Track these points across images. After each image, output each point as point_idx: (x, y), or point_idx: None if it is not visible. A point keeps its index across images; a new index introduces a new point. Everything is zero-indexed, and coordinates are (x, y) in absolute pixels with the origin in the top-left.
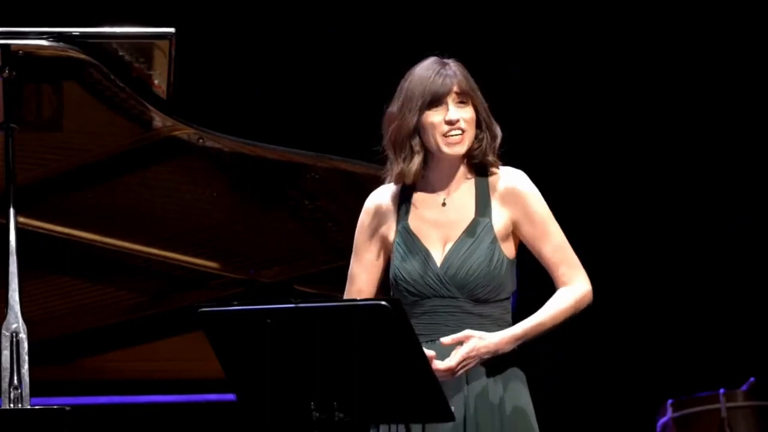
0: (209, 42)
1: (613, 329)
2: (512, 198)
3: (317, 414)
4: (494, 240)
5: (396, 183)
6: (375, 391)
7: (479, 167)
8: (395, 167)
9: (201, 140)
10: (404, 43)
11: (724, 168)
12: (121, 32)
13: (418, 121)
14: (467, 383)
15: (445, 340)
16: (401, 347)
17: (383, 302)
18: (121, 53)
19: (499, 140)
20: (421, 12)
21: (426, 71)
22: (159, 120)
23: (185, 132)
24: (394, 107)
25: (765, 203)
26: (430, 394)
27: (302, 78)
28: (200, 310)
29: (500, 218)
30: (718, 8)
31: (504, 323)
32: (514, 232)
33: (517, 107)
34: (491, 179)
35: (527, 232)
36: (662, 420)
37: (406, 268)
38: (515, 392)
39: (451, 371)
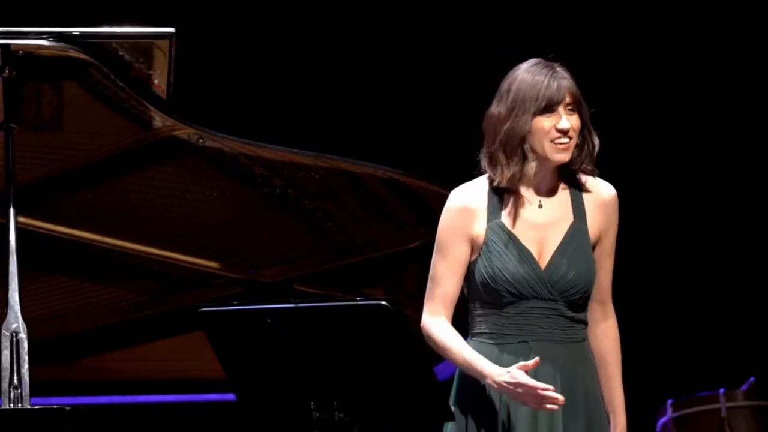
0: (209, 42)
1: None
2: (606, 209)
3: (317, 414)
4: (591, 247)
5: (507, 185)
6: (375, 391)
7: (572, 173)
8: (506, 170)
9: (201, 140)
10: (404, 43)
11: (723, 167)
12: (121, 32)
13: (531, 125)
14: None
15: None
16: (401, 347)
17: (383, 302)
18: (121, 53)
19: (597, 149)
20: (421, 12)
21: (537, 74)
22: (159, 120)
23: (185, 132)
24: (500, 108)
25: (765, 203)
26: (430, 394)
27: (302, 78)
28: (200, 310)
29: (594, 226)
30: (723, 7)
31: (586, 327)
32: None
33: None
34: (584, 185)
35: (604, 245)
36: (662, 420)
37: (509, 268)
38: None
39: None
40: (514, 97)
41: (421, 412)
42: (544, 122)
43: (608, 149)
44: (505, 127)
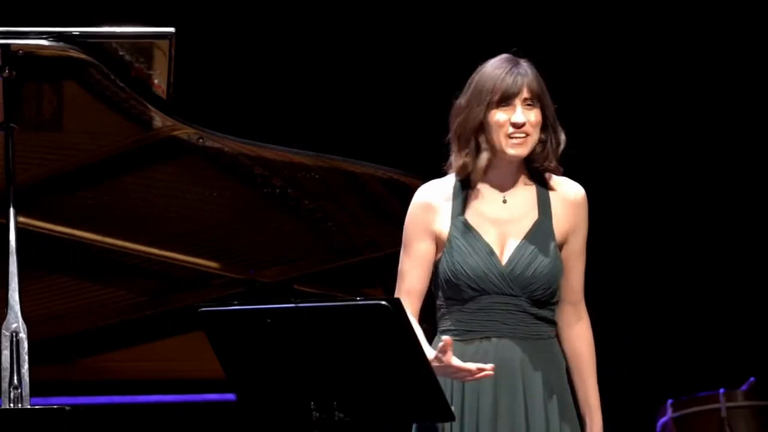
0: (209, 42)
1: (613, 329)
2: (574, 208)
3: (317, 414)
4: (555, 243)
5: (457, 175)
6: (375, 391)
7: (539, 170)
8: (457, 159)
9: (201, 140)
10: (404, 43)
11: (724, 167)
12: (121, 32)
13: (485, 117)
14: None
15: None
16: (401, 347)
17: (383, 302)
18: (121, 53)
19: (562, 146)
20: (422, 12)
21: (498, 67)
22: (159, 120)
23: (185, 132)
24: (462, 100)
25: (765, 203)
26: (430, 393)
27: (302, 78)
28: (200, 310)
29: (561, 224)
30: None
31: (553, 325)
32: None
33: None
34: (551, 184)
35: (572, 245)
36: (662, 420)
37: (469, 263)
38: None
39: None
40: (473, 90)
41: (421, 412)
42: (499, 115)
43: (611, 149)
44: (460, 119)
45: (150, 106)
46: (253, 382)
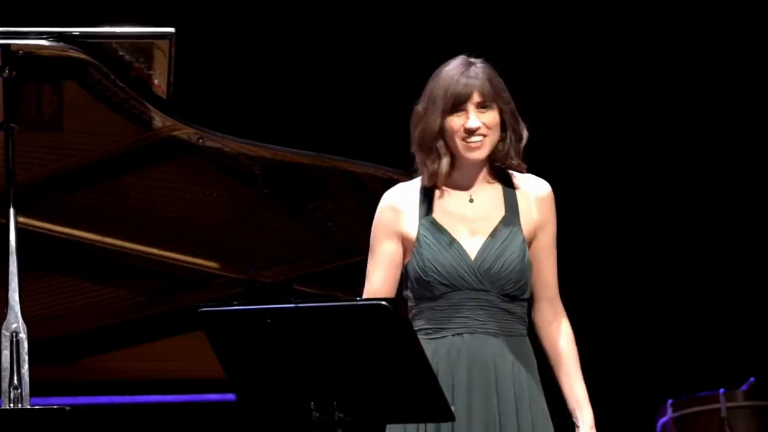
0: (209, 42)
1: (612, 329)
2: (541, 204)
3: (317, 414)
4: (523, 239)
5: (429, 183)
6: (375, 391)
7: (502, 169)
8: (426, 169)
9: (201, 140)
10: (404, 43)
11: (724, 167)
12: (121, 32)
13: (441, 124)
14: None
15: None
16: (401, 347)
17: (383, 302)
18: (121, 53)
19: (524, 141)
20: (422, 12)
21: (450, 72)
22: (159, 120)
23: (185, 132)
24: (420, 106)
25: (765, 203)
26: (430, 393)
27: (302, 78)
28: (200, 310)
29: (528, 220)
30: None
31: (524, 323)
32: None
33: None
34: (517, 181)
35: (541, 241)
36: (662, 420)
37: (439, 260)
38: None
39: None
40: (428, 97)
41: (421, 412)
42: (454, 121)
43: (604, 151)
44: (419, 127)
45: (150, 106)
46: (253, 382)
